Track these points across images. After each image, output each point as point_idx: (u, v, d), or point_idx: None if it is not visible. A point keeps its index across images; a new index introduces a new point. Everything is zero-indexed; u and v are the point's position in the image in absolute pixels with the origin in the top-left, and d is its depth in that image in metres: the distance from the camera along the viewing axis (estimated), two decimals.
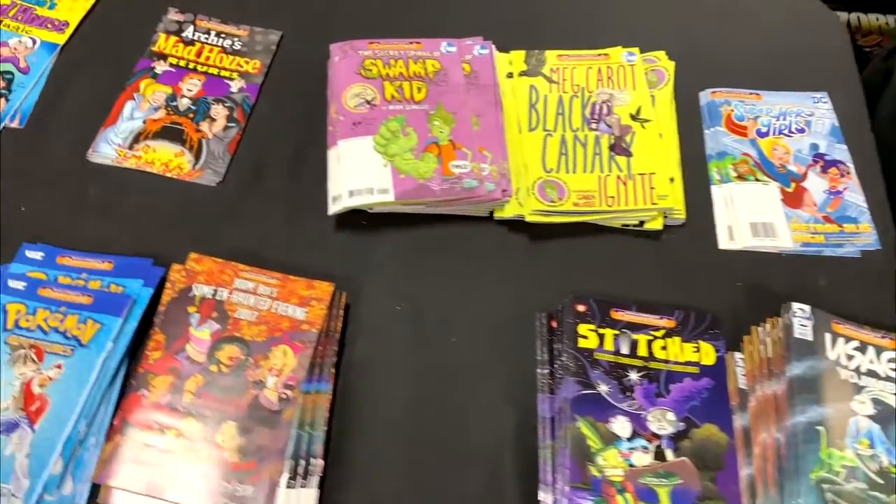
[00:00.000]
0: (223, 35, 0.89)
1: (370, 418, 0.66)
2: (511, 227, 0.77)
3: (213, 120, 0.82)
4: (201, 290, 0.69)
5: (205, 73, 0.85)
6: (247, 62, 0.87)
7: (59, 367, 0.67)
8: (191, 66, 0.86)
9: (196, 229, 0.76)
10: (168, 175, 0.79)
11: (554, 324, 0.70)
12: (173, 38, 0.87)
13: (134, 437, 0.63)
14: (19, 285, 0.71)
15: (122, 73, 0.86)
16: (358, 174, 0.74)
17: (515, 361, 0.69)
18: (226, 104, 0.83)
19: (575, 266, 0.75)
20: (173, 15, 0.89)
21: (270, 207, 0.78)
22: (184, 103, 0.83)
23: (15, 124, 0.82)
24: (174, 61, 0.86)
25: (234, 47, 0.88)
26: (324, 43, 0.85)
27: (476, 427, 0.66)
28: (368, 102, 0.79)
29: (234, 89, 0.84)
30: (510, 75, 0.84)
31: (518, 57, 0.86)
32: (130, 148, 0.79)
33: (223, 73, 0.86)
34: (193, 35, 0.88)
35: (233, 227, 0.76)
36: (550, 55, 0.86)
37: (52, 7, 0.90)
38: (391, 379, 0.68)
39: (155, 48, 0.86)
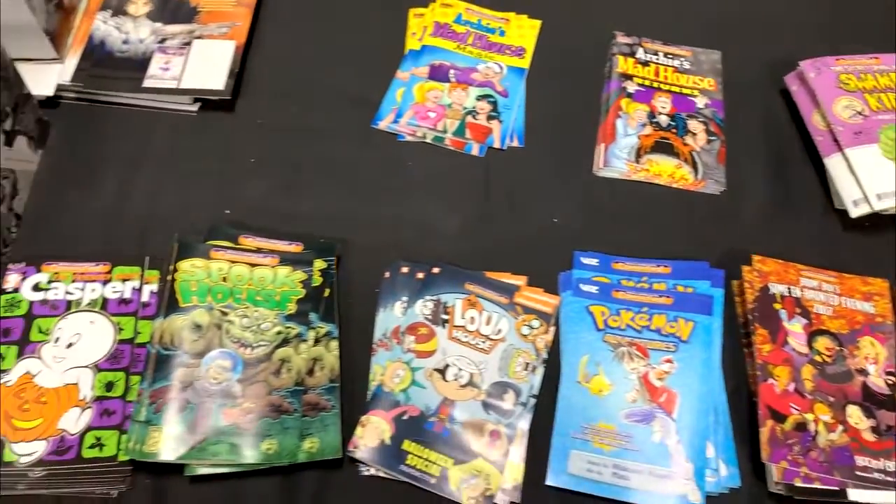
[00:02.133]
0: (670, 55, 0.95)
1: None
2: None
3: (694, 134, 0.89)
4: (777, 288, 0.76)
5: (669, 90, 0.92)
6: (701, 80, 0.93)
7: (668, 361, 0.73)
8: (654, 84, 0.92)
9: (711, 233, 0.83)
10: (674, 186, 0.86)
11: None
12: (630, 60, 0.94)
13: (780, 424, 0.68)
14: (592, 289, 0.77)
15: (587, 92, 0.93)
16: (879, 179, 0.81)
17: None
18: (699, 119, 0.90)
19: None
20: (621, 38, 0.96)
21: (769, 211, 0.85)
22: (663, 120, 0.89)
23: (515, 143, 0.88)
24: (640, 81, 0.92)
25: (684, 66, 0.94)
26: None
27: None
28: (859, 113, 0.85)
29: (700, 105, 0.91)
30: None
31: None
32: (637, 162, 0.86)
33: (685, 90, 0.92)
34: (645, 56, 0.95)
35: (750, 232, 0.83)
36: None
37: (502, 34, 0.97)
38: None
39: (620, 69, 0.93)
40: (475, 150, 0.87)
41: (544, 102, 0.92)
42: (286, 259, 0.76)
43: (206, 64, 0.89)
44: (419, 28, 0.97)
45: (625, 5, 1.01)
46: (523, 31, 0.97)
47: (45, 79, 0.87)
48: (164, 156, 0.86)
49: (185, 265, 0.73)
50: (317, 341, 0.72)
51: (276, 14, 0.97)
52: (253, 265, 0.75)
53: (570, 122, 0.91)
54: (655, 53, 0.95)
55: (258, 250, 0.76)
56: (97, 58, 0.89)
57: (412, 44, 0.95)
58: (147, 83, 0.88)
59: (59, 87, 0.88)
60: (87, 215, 0.81)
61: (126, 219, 0.81)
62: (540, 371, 0.73)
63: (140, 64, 0.89)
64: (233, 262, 0.75)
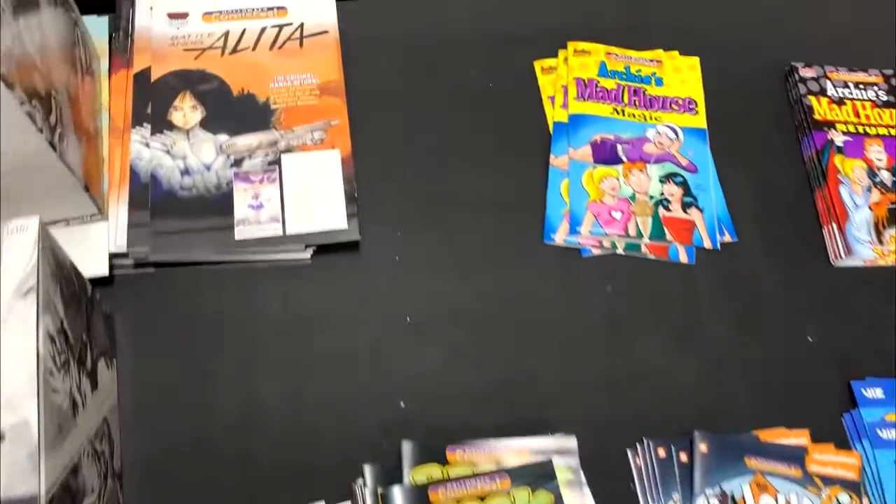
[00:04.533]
0: (861, 85, 0.77)
1: None
2: None
3: None
4: None
5: (876, 135, 0.75)
6: None
7: None
8: (860, 129, 0.75)
9: None
10: None
11: None
12: (824, 100, 0.76)
13: None
14: (892, 435, 0.62)
15: (778, 149, 0.75)
16: None
17: None
18: None
19: None
20: (804, 71, 0.77)
21: None
22: (886, 177, 0.73)
23: (727, 237, 0.69)
24: (844, 128, 0.74)
25: (882, 97, 0.77)
26: None
27: None
28: None
29: None
30: None
31: None
32: (880, 242, 0.69)
33: (893, 130, 0.75)
34: (837, 92, 0.77)
35: None
36: None
37: (659, 83, 0.76)
38: None
39: (818, 116, 0.75)
40: (682, 255, 0.68)
41: (734, 170, 0.73)
42: (521, 475, 0.56)
43: (311, 190, 0.65)
44: (556, 88, 0.75)
45: (782, 22, 0.82)
46: (682, 74, 0.77)
47: (89, 250, 0.61)
48: (279, 328, 0.63)
49: None
50: None
51: (368, 93, 0.72)
52: (482, 498, 0.55)
53: (773, 195, 0.72)
54: (846, 85, 0.77)
55: (474, 476, 0.56)
56: (155, 203, 0.63)
57: (556, 114, 0.73)
58: (240, 233, 0.63)
59: (113, 258, 0.62)
60: (194, 454, 0.58)
61: (253, 440, 0.58)
62: None
63: (218, 204, 0.64)
64: (458, 502, 0.54)
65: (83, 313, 0.52)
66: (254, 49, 0.71)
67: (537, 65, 0.76)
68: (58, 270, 0.48)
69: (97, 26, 0.71)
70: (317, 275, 0.65)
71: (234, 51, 0.71)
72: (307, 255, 0.65)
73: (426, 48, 0.76)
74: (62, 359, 0.46)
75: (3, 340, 0.43)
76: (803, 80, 0.77)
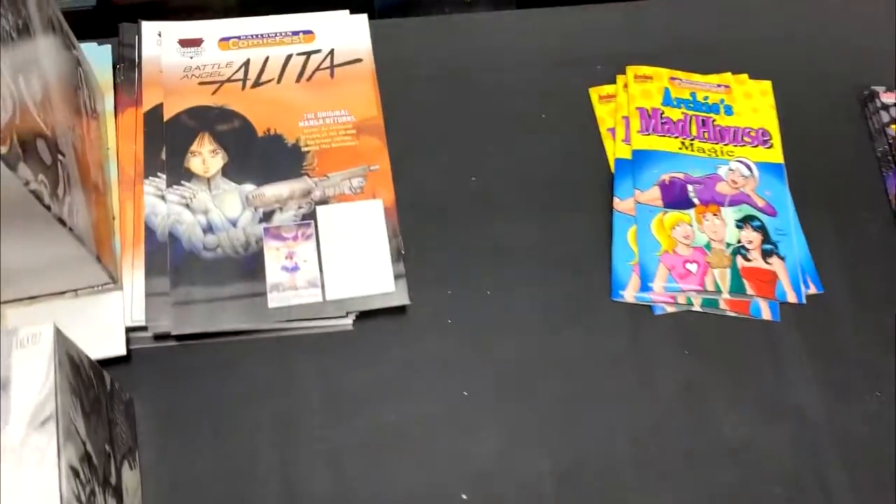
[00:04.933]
0: None
1: None
2: None
3: None
4: None
5: None
6: None
7: None
8: None
9: None
10: None
11: None
12: None
13: None
14: None
15: (860, 187, 0.68)
16: None
17: None
18: None
19: None
20: (885, 96, 0.70)
21: None
22: None
23: (812, 289, 0.62)
24: None
25: None
26: None
27: None
28: None
29: None
30: None
31: None
32: None
33: None
34: None
35: None
36: None
37: (728, 111, 0.68)
38: None
39: None
40: (765, 311, 0.61)
41: (814, 211, 0.66)
42: None
43: (352, 247, 0.57)
44: (616, 119, 0.67)
45: (858, 41, 0.75)
46: (753, 100, 0.69)
47: (102, 327, 0.53)
48: (319, 406, 0.55)
49: None
50: None
51: (408, 130, 0.64)
52: None
53: (858, 239, 0.65)
54: None
55: None
56: (175, 267, 0.55)
57: (618, 150, 0.66)
58: (274, 300, 0.55)
59: (130, 331, 0.54)
60: None
61: None
62: None
63: (248, 266, 0.56)
64: None
65: (104, 418, 0.44)
66: (279, 81, 0.63)
67: (594, 92, 0.69)
68: (76, 381, 0.40)
69: (98, 56, 0.63)
70: (359, 343, 0.57)
71: (257, 83, 0.62)
72: (349, 321, 0.57)
73: (470, 74, 0.68)
74: (87, 490, 0.39)
75: (20, 479, 0.35)
76: (885, 107, 0.69)
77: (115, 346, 0.53)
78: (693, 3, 0.75)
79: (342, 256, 0.57)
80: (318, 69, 0.63)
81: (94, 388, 0.43)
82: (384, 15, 0.96)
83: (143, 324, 0.54)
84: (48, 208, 0.42)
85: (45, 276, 0.50)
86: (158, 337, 0.55)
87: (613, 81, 0.69)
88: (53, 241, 0.46)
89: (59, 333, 0.39)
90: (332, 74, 0.63)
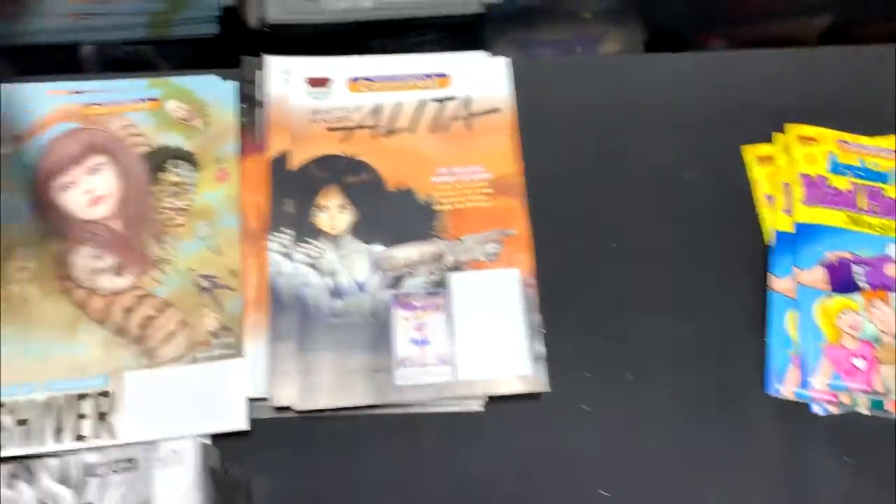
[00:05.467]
0: None
1: None
2: None
3: None
4: None
5: None
6: None
7: None
8: None
9: None
10: None
11: None
12: None
13: None
14: None
15: None
16: None
17: None
18: None
19: None
20: None
21: None
22: None
23: None
24: None
25: None
26: None
27: None
28: None
29: None
30: None
31: None
32: None
33: None
34: None
35: None
36: None
37: None
38: None
39: None
40: None
41: None
42: None
43: (486, 321, 0.53)
44: (774, 185, 0.60)
45: None
46: None
47: (222, 399, 0.50)
48: (445, 496, 0.51)
49: None
50: None
51: (542, 190, 0.59)
52: None
53: None
54: None
55: None
56: (302, 334, 0.51)
57: (779, 220, 0.59)
58: (402, 377, 0.51)
59: (251, 403, 0.51)
60: None
61: None
62: None
63: (375, 336, 0.52)
64: None
65: None
66: (413, 131, 0.58)
67: (749, 151, 0.62)
68: (217, 494, 0.37)
69: (222, 92, 0.59)
70: (489, 426, 0.53)
71: (389, 132, 0.58)
72: (479, 403, 0.53)
73: (610, 124, 0.63)
74: None
75: None
76: None
77: (237, 420, 0.49)
78: (864, 53, 0.67)
79: (475, 331, 0.52)
80: (454, 119, 0.59)
81: (224, 489, 0.40)
82: (499, 31, 0.90)
83: (265, 395, 0.50)
84: None
85: None
86: (279, 408, 0.51)
87: (769, 138, 0.63)
88: None
89: (203, 449, 0.35)
90: (468, 126, 0.59)
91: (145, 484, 0.33)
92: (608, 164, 0.61)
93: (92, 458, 0.35)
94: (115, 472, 0.34)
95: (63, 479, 0.34)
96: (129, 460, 0.33)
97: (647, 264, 0.58)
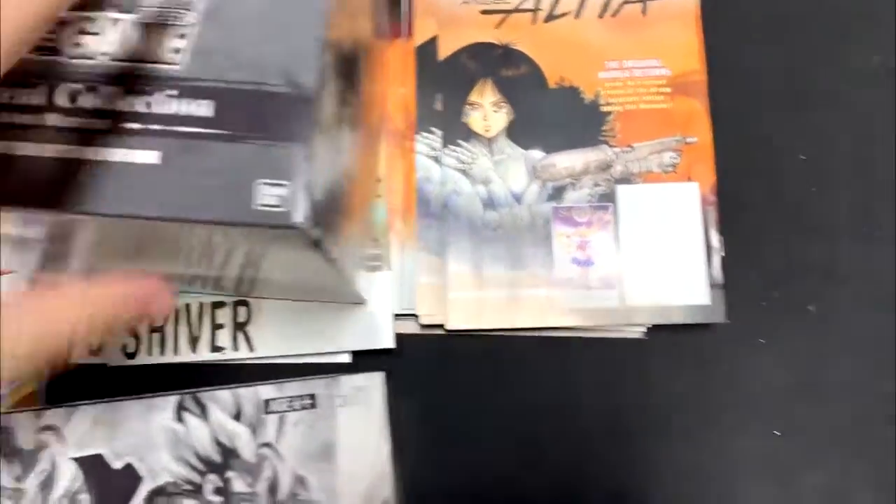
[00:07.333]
0: None
1: None
2: None
3: None
4: None
5: None
6: None
7: None
8: None
9: None
10: None
11: None
12: None
13: None
14: None
15: None
16: None
17: None
18: None
19: None
20: None
21: None
22: None
23: None
24: None
25: None
26: None
27: None
28: None
29: None
30: None
31: None
32: None
33: None
34: None
35: None
36: None
37: None
38: None
39: None
40: None
41: None
42: None
43: (658, 242, 0.47)
44: None
45: None
46: None
47: (368, 314, 0.46)
48: (601, 429, 0.47)
49: None
50: None
51: (731, 89, 0.51)
52: None
53: None
54: None
55: None
56: (452, 248, 0.47)
57: None
58: (562, 300, 0.46)
59: (399, 319, 0.47)
60: None
61: None
62: None
63: (532, 254, 0.47)
64: None
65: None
66: (577, 15, 0.50)
67: None
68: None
69: None
70: (652, 357, 0.48)
71: (551, 17, 0.50)
72: (642, 330, 0.48)
73: (814, 19, 0.53)
74: None
75: None
76: None
77: (384, 338, 0.46)
78: None
79: (646, 253, 0.47)
80: (626, 2, 0.50)
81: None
82: None
83: (413, 312, 0.47)
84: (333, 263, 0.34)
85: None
86: (425, 325, 0.48)
87: None
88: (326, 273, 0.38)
89: (385, 386, 0.31)
90: (643, 11, 0.50)
91: (328, 424, 0.30)
92: (809, 61, 0.52)
93: (266, 392, 0.32)
94: (293, 409, 0.31)
95: (236, 415, 0.32)
96: (310, 396, 0.30)
97: (842, 184, 0.50)
